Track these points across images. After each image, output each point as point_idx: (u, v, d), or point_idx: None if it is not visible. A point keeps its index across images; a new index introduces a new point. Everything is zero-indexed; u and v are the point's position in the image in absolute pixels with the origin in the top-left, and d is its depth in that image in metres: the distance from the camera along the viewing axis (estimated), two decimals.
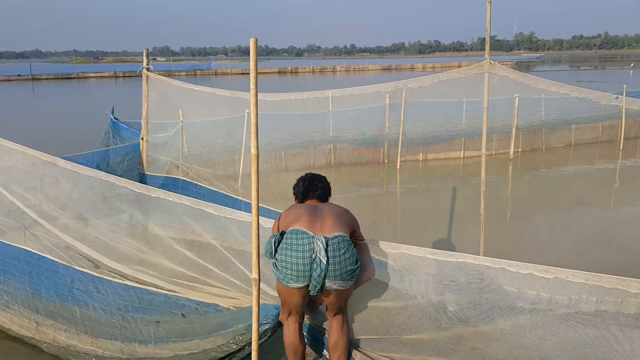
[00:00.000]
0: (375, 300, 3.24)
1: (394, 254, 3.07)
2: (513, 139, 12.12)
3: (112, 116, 8.47)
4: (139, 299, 4.11)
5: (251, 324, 3.38)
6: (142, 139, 6.92)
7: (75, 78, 50.82)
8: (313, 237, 2.76)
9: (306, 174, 3.38)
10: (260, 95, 6.34)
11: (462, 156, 12.18)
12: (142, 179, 7.01)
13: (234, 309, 3.73)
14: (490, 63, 4.99)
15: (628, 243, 6.33)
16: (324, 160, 11.09)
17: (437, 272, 2.96)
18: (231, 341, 3.43)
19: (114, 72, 53.23)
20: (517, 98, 11.62)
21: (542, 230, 6.99)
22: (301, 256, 2.74)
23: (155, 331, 3.87)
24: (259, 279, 2.90)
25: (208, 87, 6.93)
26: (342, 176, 10.73)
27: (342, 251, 2.75)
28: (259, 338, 3.09)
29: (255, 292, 2.88)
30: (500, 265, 2.73)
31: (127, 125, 8.39)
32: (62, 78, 50.37)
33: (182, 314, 3.92)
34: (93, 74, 53.01)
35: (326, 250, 2.71)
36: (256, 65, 2.64)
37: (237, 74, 57.16)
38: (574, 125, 13.16)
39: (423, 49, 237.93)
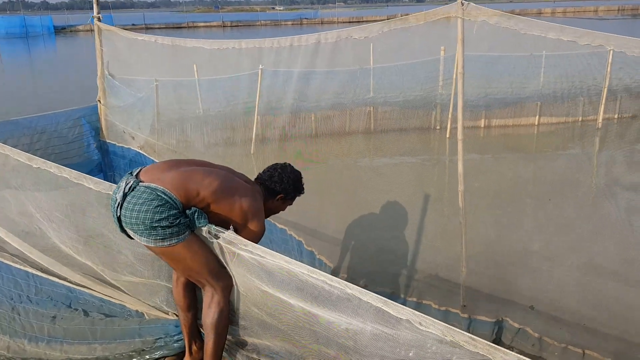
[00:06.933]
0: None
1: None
2: (603, 103, 9.75)
3: (107, 72, 7.71)
4: (37, 290, 3.79)
5: (161, 339, 3.19)
6: (99, 101, 6.07)
7: (185, 27, 52.19)
8: (128, 176, 2.62)
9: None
10: (199, 42, 5.15)
11: (536, 123, 10.12)
12: (104, 147, 6.21)
13: (144, 314, 3.41)
14: (463, 4, 3.40)
15: None
16: (362, 124, 9.65)
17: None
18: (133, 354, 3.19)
19: (222, 21, 53.99)
20: (611, 52, 9.24)
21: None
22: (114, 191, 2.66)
23: (49, 328, 3.50)
24: None
25: (151, 36, 5.84)
26: (382, 144, 9.35)
27: (141, 201, 2.50)
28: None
29: None
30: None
31: (124, 82, 7.59)
32: (173, 27, 51.97)
33: (83, 311, 3.60)
34: (202, 23, 54.19)
35: (125, 193, 2.53)
36: None
37: (343, 22, 55.36)
38: None
39: None
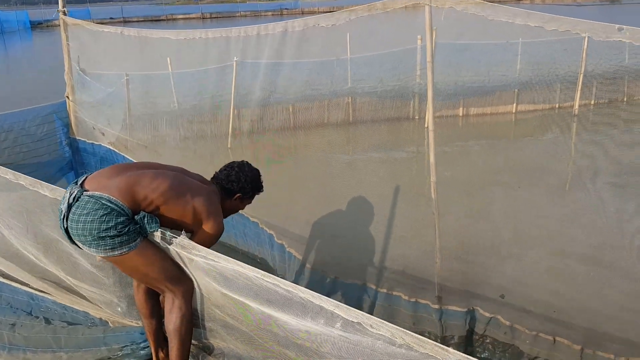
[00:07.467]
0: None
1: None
2: (579, 89, 9.83)
3: (77, 67, 7.53)
4: None
5: (127, 346, 3.17)
6: (68, 97, 5.95)
7: (164, 20, 51.56)
8: (72, 186, 2.53)
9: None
10: (165, 33, 5.08)
11: (514, 110, 10.17)
12: (74, 144, 6.09)
13: (108, 322, 3.39)
14: None
15: None
16: (341, 115, 9.60)
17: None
18: None
19: (202, 13, 53.50)
20: (586, 38, 9.27)
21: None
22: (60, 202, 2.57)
23: (9, 336, 3.46)
24: None
25: (117, 27, 5.75)
26: (361, 135, 9.31)
27: (85, 211, 2.41)
28: None
29: None
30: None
31: (95, 77, 7.42)
32: (152, 20, 51.29)
33: (45, 319, 3.59)
34: (181, 16, 53.60)
35: (70, 204, 2.45)
36: None
37: (324, 12, 54.81)
38: None
39: None
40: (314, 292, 2.04)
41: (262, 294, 2.20)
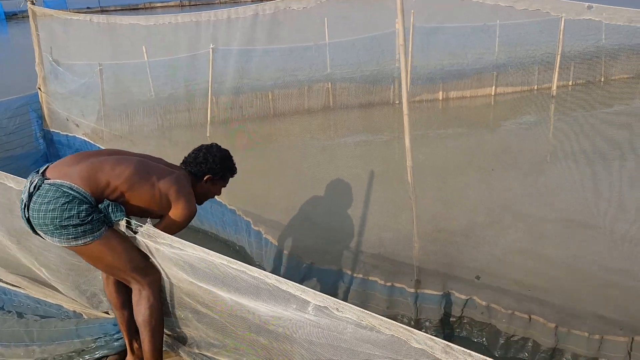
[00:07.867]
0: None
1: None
2: (557, 70, 9.90)
3: (50, 57, 7.39)
4: None
5: (101, 338, 3.11)
6: (40, 89, 5.84)
7: (142, 8, 50.76)
8: (33, 175, 2.47)
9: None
10: (135, 19, 5.01)
11: (492, 93, 10.21)
12: (48, 136, 5.99)
13: (83, 314, 3.34)
14: None
15: None
16: (321, 102, 9.55)
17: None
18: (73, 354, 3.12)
19: (180, 0, 52.77)
20: (562, 19, 9.32)
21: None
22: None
23: None
24: None
25: (86, 15, 5.66)
26: (341, 121, 9.28)
27: (47, 200, 2.35)
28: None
29: None
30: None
31: (68, 67, 7.29)
32: (130, 9, 50.46)
33: (17, 313, 3.57)
34: (160, 4, 52.76)
35: (31, 193, 2.38)
36: None
37: None
38: None
39: None
40: (280, 278, 2.02)
41: (230, 281, 2.17)
